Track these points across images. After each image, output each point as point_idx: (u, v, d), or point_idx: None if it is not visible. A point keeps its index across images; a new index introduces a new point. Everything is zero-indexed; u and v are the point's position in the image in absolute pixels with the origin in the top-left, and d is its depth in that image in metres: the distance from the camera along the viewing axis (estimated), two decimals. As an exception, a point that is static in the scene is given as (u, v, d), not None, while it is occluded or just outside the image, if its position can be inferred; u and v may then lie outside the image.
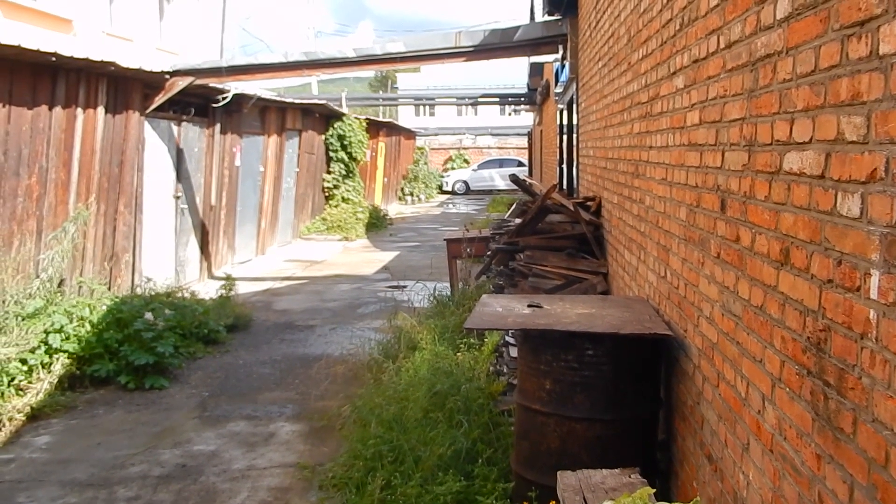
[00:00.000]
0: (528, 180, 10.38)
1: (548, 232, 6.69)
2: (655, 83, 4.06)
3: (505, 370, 5.71)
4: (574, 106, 9.32)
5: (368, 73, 61.72)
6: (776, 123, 2.22)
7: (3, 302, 7.13)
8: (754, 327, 2.43)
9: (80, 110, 8.58)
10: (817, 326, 1.93)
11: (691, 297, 3.28)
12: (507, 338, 5.99)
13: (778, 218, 2.22)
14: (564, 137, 12.10)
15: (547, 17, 9.66)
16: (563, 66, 10.72)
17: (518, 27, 9.65)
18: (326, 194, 19.51)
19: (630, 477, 2.66)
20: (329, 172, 19.42)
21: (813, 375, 1.96)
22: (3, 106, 7.41)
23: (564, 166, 11.94)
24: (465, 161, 40.64)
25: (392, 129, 27.73)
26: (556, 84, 13.42)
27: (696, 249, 3.17)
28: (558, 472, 2.70)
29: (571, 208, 6.55)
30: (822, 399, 1.90)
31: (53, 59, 7.60)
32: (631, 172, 4.89)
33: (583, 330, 3.47)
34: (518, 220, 7.52)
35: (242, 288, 10.83)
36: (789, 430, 2.12)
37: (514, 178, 8.24)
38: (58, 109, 8.22)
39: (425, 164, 34.82)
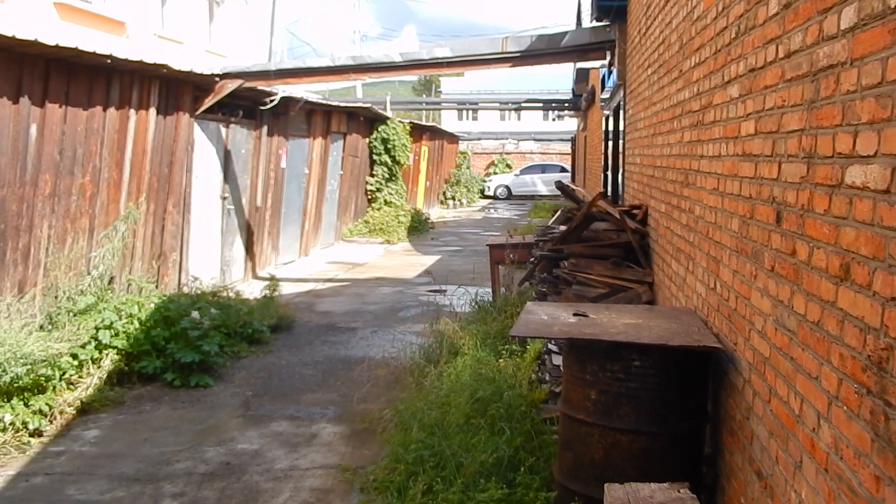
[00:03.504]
0: (573, 187, 10.34)
1: (593, 240, 6.63)
2: (708, 91, 4.01)
3: (547, 378, 5.68)
4: (620, 112, 9.25)
5: (412, 76, 61.97)
6: (838, 136, 2.17)
7: (56, 297, 7.31)
8: (810, 343, 2.38)
9: (132, 111, 8.77)
10: (879, 345, 1.88)
11: (742, 310, 3.23)
12: (549, 345, 5.95)
13: (838, 232, 2.17)
14: (610, 144, 12.01)
15: (595, 23, 9.59)
16: (609, 73, 10.64)
17: (565, 33, 9.60)
18: (369, 197, 19.65)
19: (679, 492, 2.62)
20: (372, 175, 19.56)
21: (873, 395, 1.91)
22: (60, 106, 7.60)
23: (609, 173, 11.85)
24: (508, 166, 40.55)
25: (435, 132, 27.81)
26: (601, 90, 13.33)
27: (749, 262, 3.12)
28: (606, 485, 2.67)
29: (617, 216, 6.49)
30: (882, 419, 1.85)
31: (109, 61, 7.77)
32: (680, 181, 4.82)
33: (630, 341, 3.44)
34: (563, 228, 7.48)
35: (285, 289, 10.96)
36: (846, 449, 2.07)
37: (559, 185, 8.20)
38: (112, 110, 8.41)
39: (467, 168, 34.87)
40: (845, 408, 2.08)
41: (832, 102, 2.23)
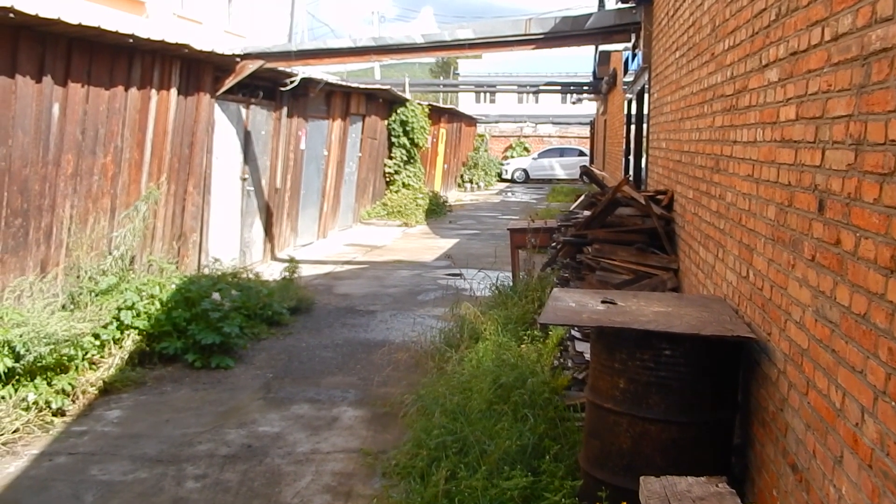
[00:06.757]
0: (597, 171, 10.31)
1: (617, 225, 6.55)
2: (743, 75, 3.91)
3: (570, 364, 5.63)
4: (645, 96, 9.12)
5: (431, 58, 61.65)
6: (892, 122, 2.09)
7: (78, 277, 7.33)
8: (855, 336, 2.31)
9: (154, 92, 8.74)
10: (934, 340, 1.82)
11: (778, 300, 3.15)
12: (572, 332, 5.89)
13: (889, 222, 2.09)
14: (632, 128, 11.88)
15: (619, 5, 9.45)
16: (633, 55, 10.49)
17: (590, 15, 9.46)
18: (387, 179, 19.59)
19: (717, 486, 2.56)
20: (391, 158, 19.49)
21: (926, 391, 1.84)
22: (82, 86, 7.58)
23: (631, 157, 11.73)
24: (526, 149, 40.34)
25: (453, 115, 27.66)
26: (624, 73, 13.18)
27: (786, 251, 3.04)
28: (641, 478, 2.62)
29: (642, 202, 6.41)
30: (936, 417, 1.79)
31: (131, 40, 7.73)
32: (710, 167, 4.73)
33: (662, 329, 3.38)
34: (586, 213, 7.40)
35: (304, 270, 10.95)
36: (893, 446, 2.01)
37: (584, 170, 8.12)
38: (133, 90, 8.39)
39: (485, 151, 34.68)
40: (893, 403, 2.02)
41: (885, 87, 2.14)
